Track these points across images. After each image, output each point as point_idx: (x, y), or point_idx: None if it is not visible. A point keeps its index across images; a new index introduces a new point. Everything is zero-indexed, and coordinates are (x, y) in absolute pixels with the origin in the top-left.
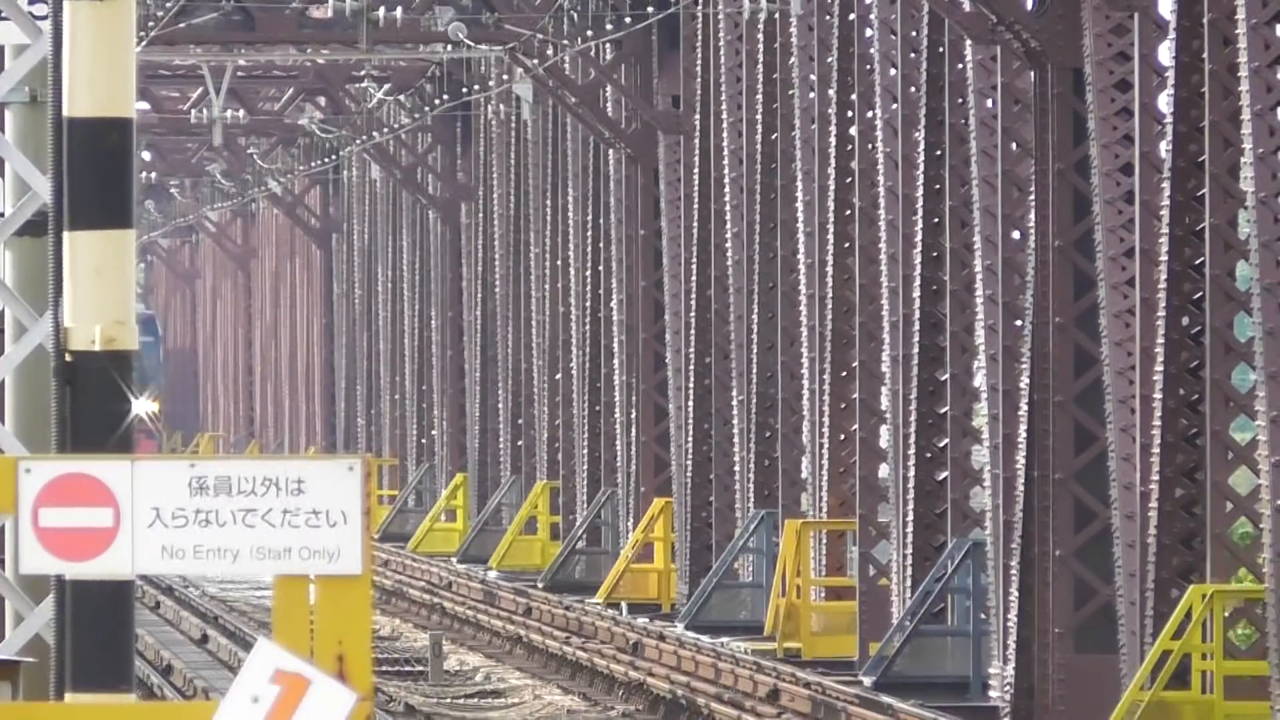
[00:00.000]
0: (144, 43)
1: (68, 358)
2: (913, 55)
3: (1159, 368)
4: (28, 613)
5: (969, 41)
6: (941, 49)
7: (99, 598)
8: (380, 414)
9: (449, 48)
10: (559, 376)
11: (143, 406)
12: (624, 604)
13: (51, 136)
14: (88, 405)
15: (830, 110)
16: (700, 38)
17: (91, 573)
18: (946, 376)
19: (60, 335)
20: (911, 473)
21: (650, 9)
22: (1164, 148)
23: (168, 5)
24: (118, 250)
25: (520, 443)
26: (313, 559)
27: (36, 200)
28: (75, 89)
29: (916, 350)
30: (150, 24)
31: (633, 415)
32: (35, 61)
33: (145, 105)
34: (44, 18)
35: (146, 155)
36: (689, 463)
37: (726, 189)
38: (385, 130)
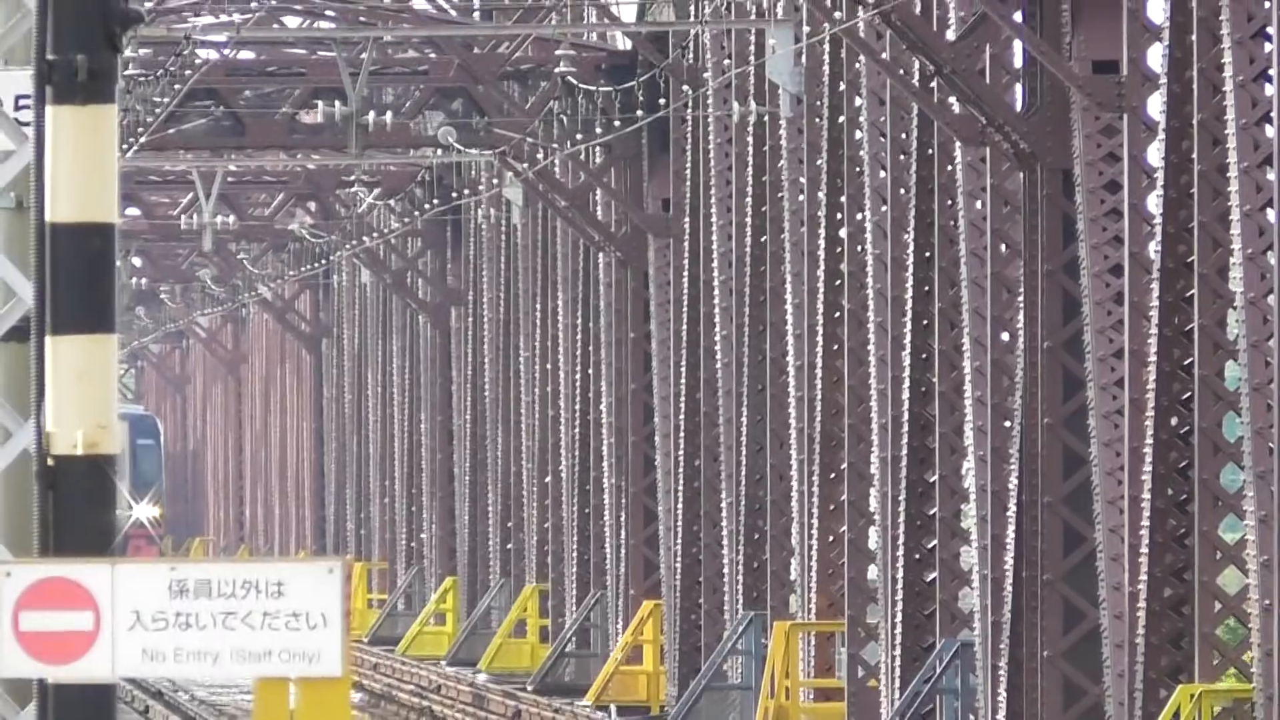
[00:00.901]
0: (134, 148)
1: (50, 462)
2: (902, 157)
3: (1148, 468)
4: (13, 717)
5: (958, 143)
6: (931, 151)
7: (80, 702)
8: (370, 517)
9: (439, 152)
10: (549, 480)
11: (144, 512)
12: (613, 706)
13: (34, 242)
14: (70, 509)
15: (820, 213)
16: (690, 141)
17: (72, 677)
18: (935, 478)
19: (43, 440)
20: (900, 574)
21: (640, 113)
22: (1153, 249)
23: (157, 111)
24: (99, 355)
25: (510, 546)
26: (293, 661)
27: (22, 306)
28: (57, 194)
29: (905, 452)
30: (140, 129)
31: (622, 518)
32: (20, 167)
33: (135, 211)
34: (30, 124)
35: (137, 261)
36: (678, 565)
37: (716, 291)
38: (375, 235)
